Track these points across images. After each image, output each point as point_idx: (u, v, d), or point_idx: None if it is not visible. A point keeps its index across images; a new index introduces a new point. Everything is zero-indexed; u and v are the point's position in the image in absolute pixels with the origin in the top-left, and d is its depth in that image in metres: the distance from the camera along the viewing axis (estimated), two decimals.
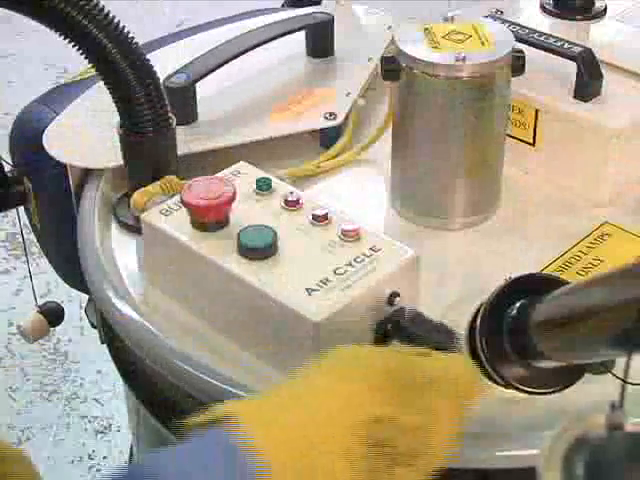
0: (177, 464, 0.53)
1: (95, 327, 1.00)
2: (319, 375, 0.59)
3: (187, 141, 0.98)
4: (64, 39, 0.84)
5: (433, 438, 0.57)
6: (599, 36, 1.11)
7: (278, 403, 0.57)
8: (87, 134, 0.99)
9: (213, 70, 1.04)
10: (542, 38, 0.99)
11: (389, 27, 1.19)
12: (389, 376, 0.58)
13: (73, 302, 1.93)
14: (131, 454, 1.33)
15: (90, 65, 0.87)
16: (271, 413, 0.55)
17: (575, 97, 0.96)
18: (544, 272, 0.86)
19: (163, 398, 0.85)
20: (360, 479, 0.54)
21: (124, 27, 0.84)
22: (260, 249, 0.78)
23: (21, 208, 1.07)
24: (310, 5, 1.25)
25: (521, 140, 1.00)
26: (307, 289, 0.75)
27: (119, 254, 0.92)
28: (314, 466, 0.52)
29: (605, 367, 0.71)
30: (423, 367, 0.61)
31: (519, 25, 1.00)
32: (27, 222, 1.10)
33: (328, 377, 0.58)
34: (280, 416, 0.55)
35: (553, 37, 0.99)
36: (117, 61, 0.84)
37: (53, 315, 1.04)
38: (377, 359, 0.61)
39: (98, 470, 1.76)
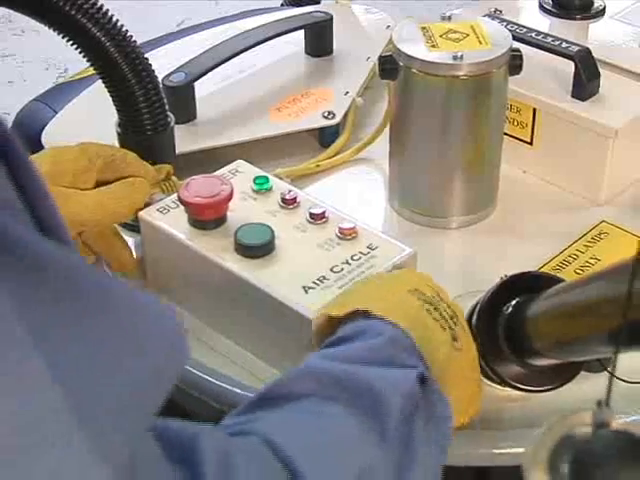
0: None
1: None
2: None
3: (186, 140, 0.98)
4: (64, 38, 0.84)
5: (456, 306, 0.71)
6: (597, 35, 1.11)
7: (366, 293, 0.72)
8: (86, 133, 0.99)
9: (212, 69, 1.04)
10: (540, 37, 0.99)
11: (388, 26, 1.19)
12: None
13: None
14: None
15: (89, 64, 0.87)
16: (368, 297, 0.71)
17: (573, 96, 0.96)
18: (539, 270, 0.86)
19: None
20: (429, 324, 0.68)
21: (123, 26, 0.84)
22: (257, 247, 0.78)
23: None
24: (309, 4, 1.25)
25: (519, 139, 1.00)
26: (304, 287, 0.75)
27: None
28: (408, 313, 0.68)
29: (602, 364, 0.71)
30: None
31: (517, 24, 1.00)
32: None
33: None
34: (373, 297, 0.71)
35: (551, 36, 0.99)
36: (116, 60, 0.84)
37: None
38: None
39: None
